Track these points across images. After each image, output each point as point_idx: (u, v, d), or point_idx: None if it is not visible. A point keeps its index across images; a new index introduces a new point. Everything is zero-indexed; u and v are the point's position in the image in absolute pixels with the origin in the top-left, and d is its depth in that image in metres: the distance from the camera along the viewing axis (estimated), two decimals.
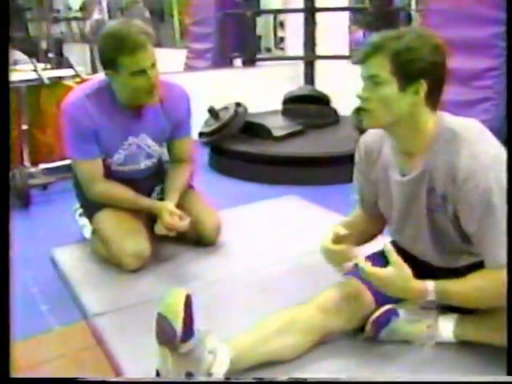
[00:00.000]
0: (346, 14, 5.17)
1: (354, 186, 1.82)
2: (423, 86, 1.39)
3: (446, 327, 1.58)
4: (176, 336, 1.33)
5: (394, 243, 1.77)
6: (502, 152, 1.39)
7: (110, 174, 2.23)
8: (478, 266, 1.46)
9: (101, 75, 2.22)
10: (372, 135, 1.66)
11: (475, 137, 1.42)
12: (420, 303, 1.57)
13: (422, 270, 1.51)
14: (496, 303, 1.43)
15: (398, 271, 1.43)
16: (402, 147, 1.52)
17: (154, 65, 2.03)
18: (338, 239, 1.60)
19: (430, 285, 1.43)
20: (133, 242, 2.13)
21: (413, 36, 1.40)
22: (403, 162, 1.54)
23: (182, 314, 1.34)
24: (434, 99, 1.44)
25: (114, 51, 1.98)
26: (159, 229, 2.14)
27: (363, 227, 1.79)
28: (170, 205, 2.15)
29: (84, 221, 2.42)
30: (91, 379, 1.28)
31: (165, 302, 1.38)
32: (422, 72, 1.39)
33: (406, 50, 1.38)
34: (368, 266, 1.46)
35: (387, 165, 1.59)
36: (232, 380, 1.40)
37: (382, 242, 1.55)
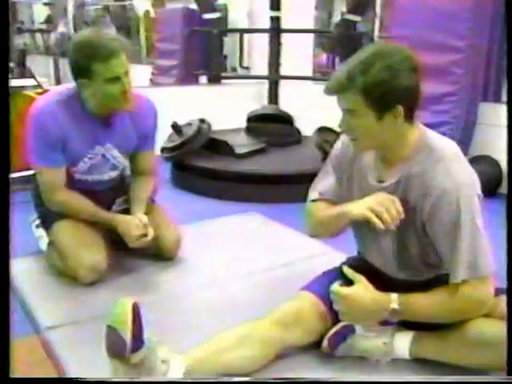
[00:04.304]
0: (311, 36, 5.26)
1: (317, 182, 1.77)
2: (400, 111, 1.41)
3: (402, 344, 1.60)
4: (126, 347, 1.31)
5: (354, 259, 1.80)
6: (475, 177, 1.45)
7: (72, 184, 2.19)
8: (438, 280, 1.51)
9: (67, 85, 2.19)
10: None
11: (452, 156, 1.46)
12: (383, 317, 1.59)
13: (384, 283, 1.53)
14: (456, 318, 1.49)
15: (362, 286, 1.49)
16: (384, 156, 1.55)
17: (127, 72, 2.03)
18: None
19: (393, 294, 1.48)
20: (89, 254, 2.10)
21: (380, 66, 1.37)
22: (381, 168, 1.56)
23: (130, 323, 1.33)
24: (411, 114, 1.46)
25: (87, 59, 1.97)
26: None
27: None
28: (133, 219, 2.14)
29: (41, 232, 2.36)
30: (91, 379, 1.25)
31: (112, 313, 1.36)
32: (397, 99, 1.39)
33: (376, 85, 1.37)
34: (339, 289, 1.50)
35: (365, 169, 1.60)
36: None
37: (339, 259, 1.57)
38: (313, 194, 1.74)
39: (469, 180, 1.43)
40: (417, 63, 1.42)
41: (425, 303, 1.48)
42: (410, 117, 1.45)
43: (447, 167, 1.42)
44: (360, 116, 1.41)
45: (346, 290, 1.50)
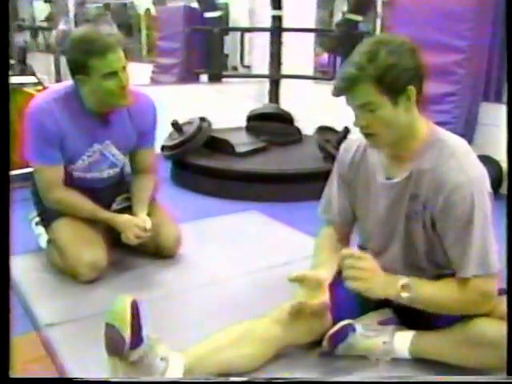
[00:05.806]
0: (312, 35, 5.25)
1: (324, 201, 1.78)
2: (413, 91, 1.41)
3: (403, 343, 1.60)
4: (125, 344, 1.31)
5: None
6: (485, 174, 1.44)
7: (71, 182, 2.19)
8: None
9: (65, 83, 2.19)
10: (354, 139, 1.65)
11: (464, 152, 1.46)
12: (378, 316, 1.58)
13: None
14: (460, 309, 1.48)
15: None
16: (393, 151, 1.53)
17: (124, 67, 2.03)
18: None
19: (400, 276, 1.47)
20: (89, 251, 2.10)
21: (386, 52, 1.38)
22: (390, 165, 1.55)
23: (129, 320, 1.33)
24: (420, 97, 1.45)
25: (84, 54, 1.96)
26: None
27: (337, 246, 1.72)
28: (132, 219, 2.14)
29: (40, 230, 2.36)
30: (91, 379, 1.25)
31: (111, 310, 1.36)
32: (409, 80, 1.40)
33: (387, 69, 1.37)
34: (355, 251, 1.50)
35: (372, 168, 1.60)
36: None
37: None
38: (325, 214, 1.78)
39: (481, 176, 1.43)
40: (413, 45, 1.44)
41: (432, 289, 1.47)
42: (419, 100, 1.45)
43: (460, 162, 1.42)
44: (376, 107, 1.40)
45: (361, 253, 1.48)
